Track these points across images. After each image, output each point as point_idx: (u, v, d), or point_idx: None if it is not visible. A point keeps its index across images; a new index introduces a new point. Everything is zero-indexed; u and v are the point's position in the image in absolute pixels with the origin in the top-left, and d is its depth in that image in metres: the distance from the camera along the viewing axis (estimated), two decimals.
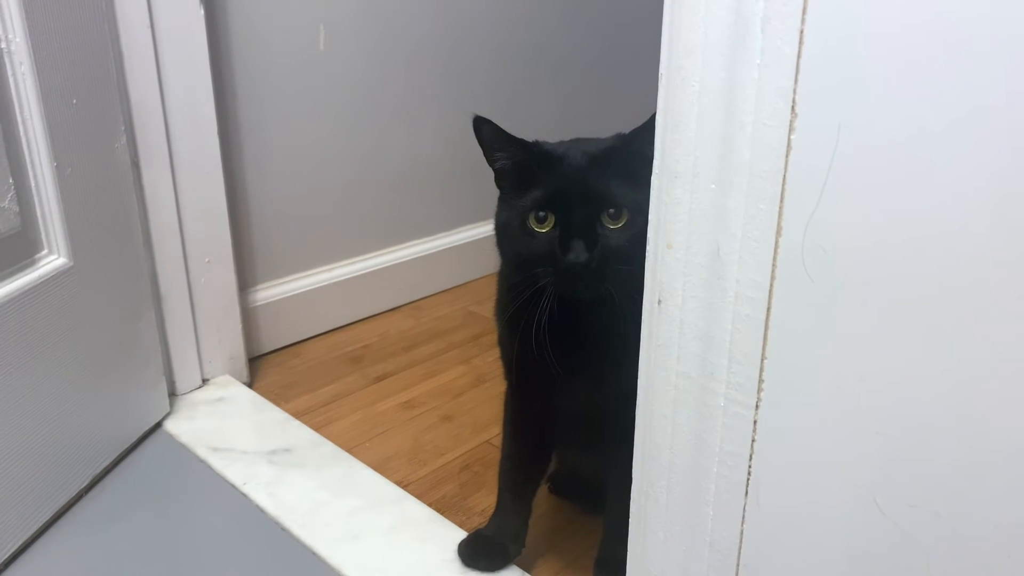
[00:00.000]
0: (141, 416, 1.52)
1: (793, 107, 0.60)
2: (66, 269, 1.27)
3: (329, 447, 1.53)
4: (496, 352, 1.22)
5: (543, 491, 1.36)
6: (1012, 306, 0.54)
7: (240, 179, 1.78)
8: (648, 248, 0.76)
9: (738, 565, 0.76)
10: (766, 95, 0.61)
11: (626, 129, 1.03)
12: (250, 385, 1.77)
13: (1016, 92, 0.51)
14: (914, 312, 0.58)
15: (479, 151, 1.06)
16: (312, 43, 1.82)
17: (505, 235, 1.06)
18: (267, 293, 1.90)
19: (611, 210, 0.99)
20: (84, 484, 1.37)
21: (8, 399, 1.19)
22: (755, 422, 0.70)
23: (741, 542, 0.75)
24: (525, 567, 1.24)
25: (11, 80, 1.16)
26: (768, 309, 0.66)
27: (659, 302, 0.75)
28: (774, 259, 0.64)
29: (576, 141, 1.07)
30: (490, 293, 1.19)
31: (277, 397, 1.72)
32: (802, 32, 0.58)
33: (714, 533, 0.77)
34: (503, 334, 1.16)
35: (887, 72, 0.55)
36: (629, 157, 0.98)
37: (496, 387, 1.73)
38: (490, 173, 1.08)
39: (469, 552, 1.23)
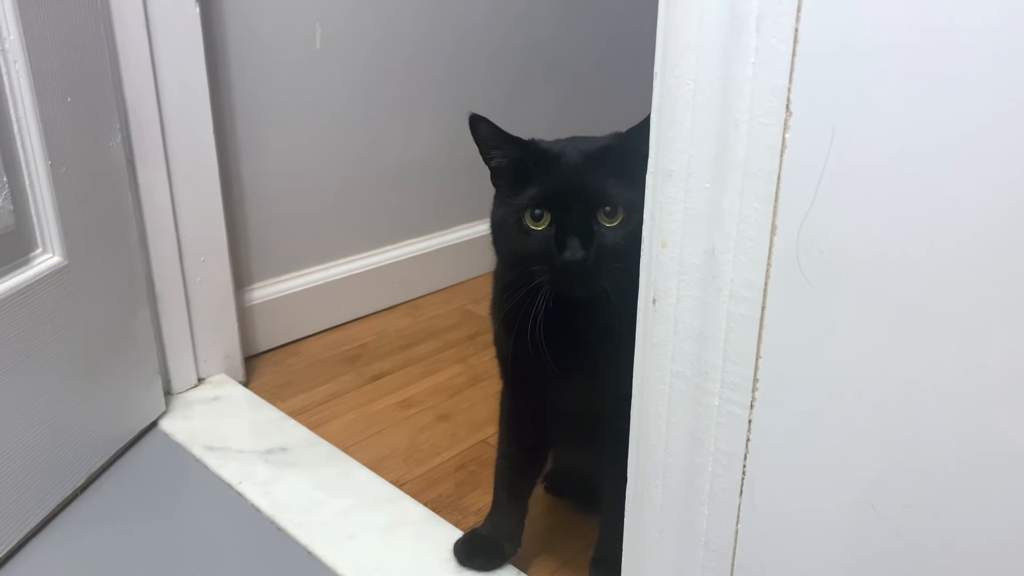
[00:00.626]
0: (137, 415, 1.51)
1: (788, 105, 0.60)
2: (61, 268, 1.26)
3: (325, 446, 1.53)
4: (492, 351, 1.21)
5: (539, 490, 1.36)
6: (1010, 307, 0.54)
7: (236, 177, 1.77)
8: (643, 247, 0.75)
9: (733, 565, 0.76)
10: (761, 94, 0.61)
11: (623, 128, 1.03)
12: (246, 384, 1.77)
13: (1012, 91, 0.51)
14: (910, 312, 0.58)
15: (476, 150, 1.05)
16: (309, 41, 1.81)
17: (501, 233, 1.06)
18: (263, 292, 1.90)
19: (607, 208, 0.99)
20: (79, 483, 1.37)
21: (3, 398, 1.19)
22: (750, 421, 0.70)
23: (736, 542, 0.75)
24: (521, 566, 1.24)
25: (5, 78, 1.15)
26: (763, 308, 0.66)
27: (654, 301, 0.75)
28: (769, 258, 0.64)
29: (572, 139, 1.07)
30: (487, 292, 1.19)
31: (273, 396, 1.72)
32: (797, 30, 0.58)
33: (709, 532, 0.77)
34: (498, 332, 1.16)
35: (882, 70, 0.55)
36: (625, 156, 0.98)
37: (492, 386, 1.72)
38: (487, 172, 1.07)
39: (465, 551, 1.23)
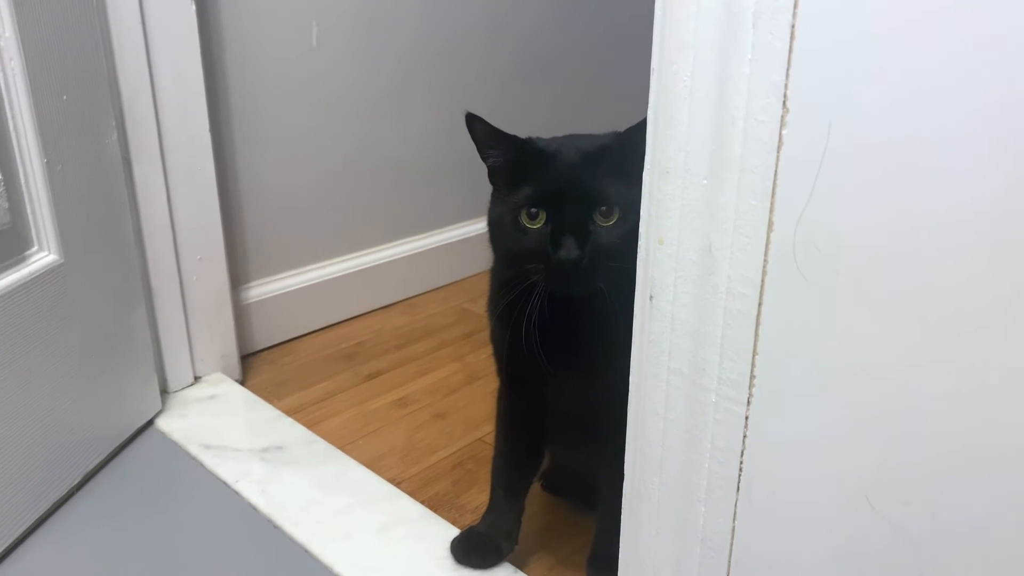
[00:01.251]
0: (133, 413, 1.51)
1: (784, 102, 0.60)
2: (56, 266, 1.26)
3: (322, 445, 1.52)
4: (489, 350, 1.21)
5: (536, 488, 1.36)
6: (1008, 301, 0.54)
7: (232, 175, 1.77)
8: (640, 244, 0.75)
9: (730, 561, 0.76)
10: (757, 90, 0.61)
11: (619, 127, 1.03)
12: (242, 383, 1.76)
13: (1010, 88, 0.51)
14: (907, 307, 0.58)
15: (472, 148, 1.05)
16: (304, 39, 1.81)
17: (497, 231, 1.06)
18: (259, 290, 1.89)
19: (603, 208, 0.99)
20: (75, 481, 1.36)
21: None
22: (746, 418, 0.70)
23: (733, 538, 0.75)
24: (518, 564, 1.24)
25: (0, 75, 1.15)
26: (759, 305, 0.66)
27: (651, 298, 0.75)
28: (765, 255, 0.64)
29: (570, 137, 1.07)
30: (483, 290, 1.19)
31: (270, 395, 1.71)
32: (793, 27, 0.58)
33: (706, 529, 0.77)
34: (495, 330, 1.16)
35: (879, 66, 0.55)
36: (623, 155, 0.98)
37: (489, 385, 1.71)
38: (483, 170, 1.07)
39: (462, 549, 1.23)
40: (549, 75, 2.38)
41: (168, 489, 1.40)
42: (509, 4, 2.21)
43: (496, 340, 1.17)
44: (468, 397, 1.74)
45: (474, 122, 1.03)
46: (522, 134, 1.05)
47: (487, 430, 1.60)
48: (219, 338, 1.72)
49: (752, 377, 0.68)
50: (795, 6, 0.58)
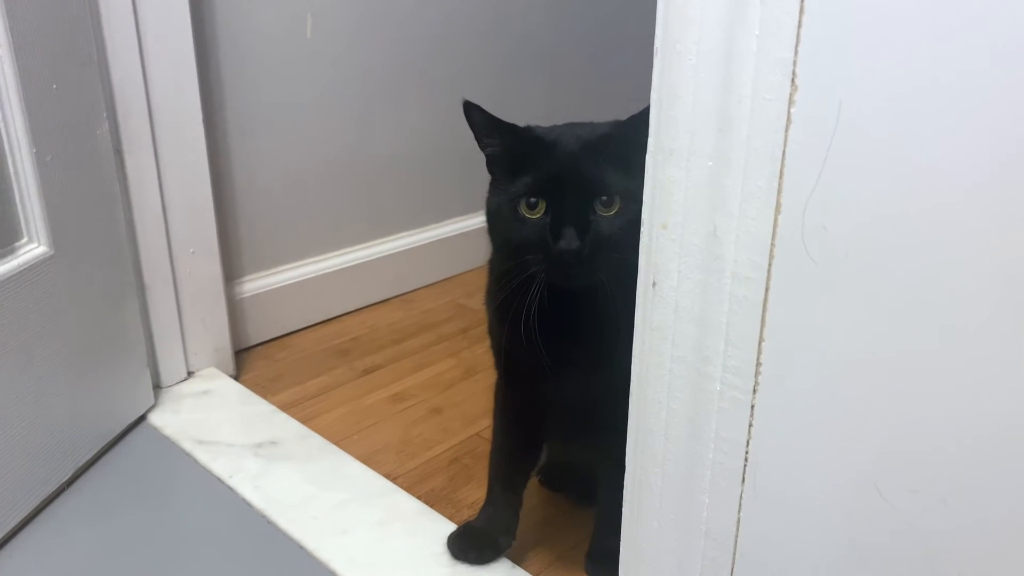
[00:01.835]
0: (125, 408, 1.49)
1: (793, 79, 0.58)
2: (46, 258, 1.24)
3: (317, 440, 1.51)
4: (486, 344, 1.20)
5: (533, 483, 1.34)
6: None
7: (226, 168, 1.75)
8: (643, 229, 0.74)
9: (735, 554, 0.74)
10: (765, 68, 0.59)
11: (619, 116, 1.01)
12: (236, 378, 1.74)
13: None
14: (919, 292, 0.57)
15: (469, 141, 1.04)
16: (299, 31, 1.79)
17: (496, 221, 1.04)
18: (254, 285, 1.87)
19: (603, 197, 0.97)
20: (66, 478, 1.34)
21: None
22: (752, 407, 0.68)
23: (738, 530, 0.73)
24: (515, 560, 1.22)
25: None
26: (766, 290, 0.64)
27: (653, 284, 0.73)
28: (773, 238, 0.63)
29: (570, 126, 1.05)
30: (480, 286, 1.17)
31: (264, 390, 1.70)
32: (803, 1, 0.56)
33: (710, 521, 0.75)
34: (493, 323, 1.15)
35: (891, 40, 0.54)
36: (625, 144, 0.97)
37: (485, 380, 1.71)
38: (481, 164, 1.06)
39: (459, 545, 1.21)
40: (546, 68, 2.36)
41: (161, 485, 1.39)
42: None
43: (494, 333, 1.16)
44: (465, 392, 1.73)
45: (471, 110, 1.01)
46: (520, 124, 1.03)
47: (484, 425, 1.58)
48: (213, 332, 1.70)
49: (758, 365, 0.67)
50: None
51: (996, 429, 0.56)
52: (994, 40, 0.50)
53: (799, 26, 0.57)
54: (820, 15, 0.56)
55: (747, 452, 0.70)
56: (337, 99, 1.92)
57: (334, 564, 1.20)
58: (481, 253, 1.14)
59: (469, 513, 1.33)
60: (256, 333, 1.90)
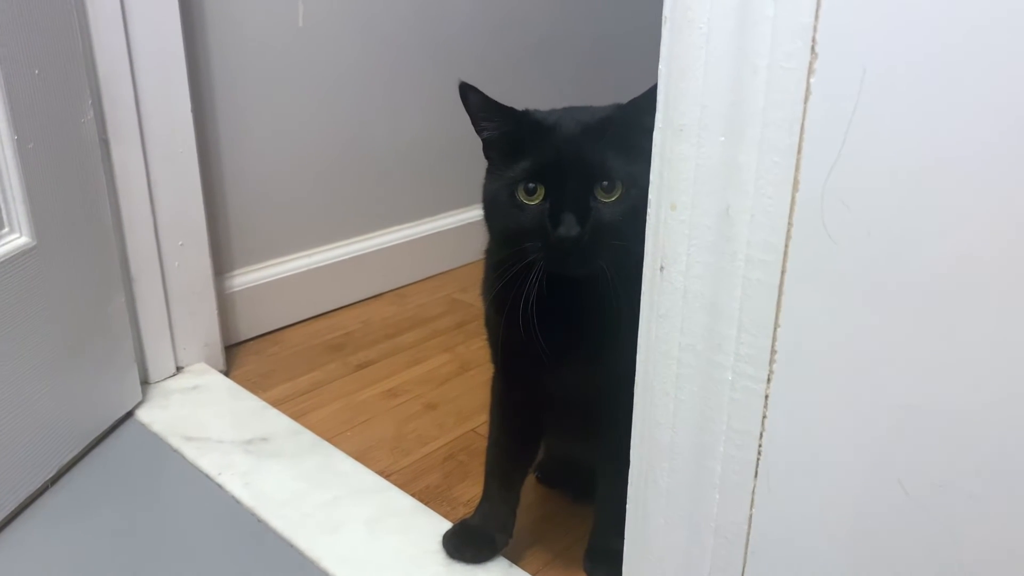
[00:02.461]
0: (111, 404, 1.46)
1: (813, 47, 0.55)
2: (29, 249, 1.21)
3: (308, 436, 1.47)
4: (481, 340, 1.18)
5: (531, 480, 1.32)
6: None
7: (215, 158, 1.72)
8: (649, 210, 0.70)
9: (746, 552, 0.70)
10: (782, 35, 0.56)
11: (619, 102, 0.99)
12: (226, 373, 1.71)
13: None
14: (949, 272, 0.53)
15: (465, 133, 1.01)
16: (291, 18, 1.76)
17: (493, 208, 1.01)
18: (244, 279, 1.84)
19: (604, 183, 0.94)
20: (49, 475, 1.31)
21: None
22: (766, 397, 0.65)
23: (750, 527, 0.69)
24: (512, 558, 1.20)
25: None
26: (782, 273, 0.61)
27: (661, 269, 0.69)
28: (790, 217, 0.59)
29: (569, 110, 1.02)
30: (475, 280, 1.15)
31: (255, 386, 1.67)
32: None
33: (720, 518, 0.71)
34: (489, 314, 1.12)
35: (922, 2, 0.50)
36: (626, 128, 0.94)
37: (481, 375, 1.70)
38: (476, 157, 1.03)
39: (454, 543, 1.19)
40: (545, 58, 2.34)
41: (148, 482, 1.36)
42: None
43: (491, 324, 1.13)
44: (460, 387, 1.70)
45: (468, 92, 0.98)
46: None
47: (480, 420, 1.56)
48: (202, 327, 1.66)
49: (773, 352, 0.63)
50: None
51: None
52: None
53: None
54: None
55: (760, 445, 0.66)
56: (331, 90, 1.89)
57: (325, 563, 1.17)
58: (476, 247, 1.11)
59: (465, 511, 1.30)
60: (247, 328, 1.86)
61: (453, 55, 2.09)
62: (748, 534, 0.70)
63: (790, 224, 0.59)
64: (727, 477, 0.70)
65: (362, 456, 1.43)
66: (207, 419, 1.50)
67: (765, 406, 0.65)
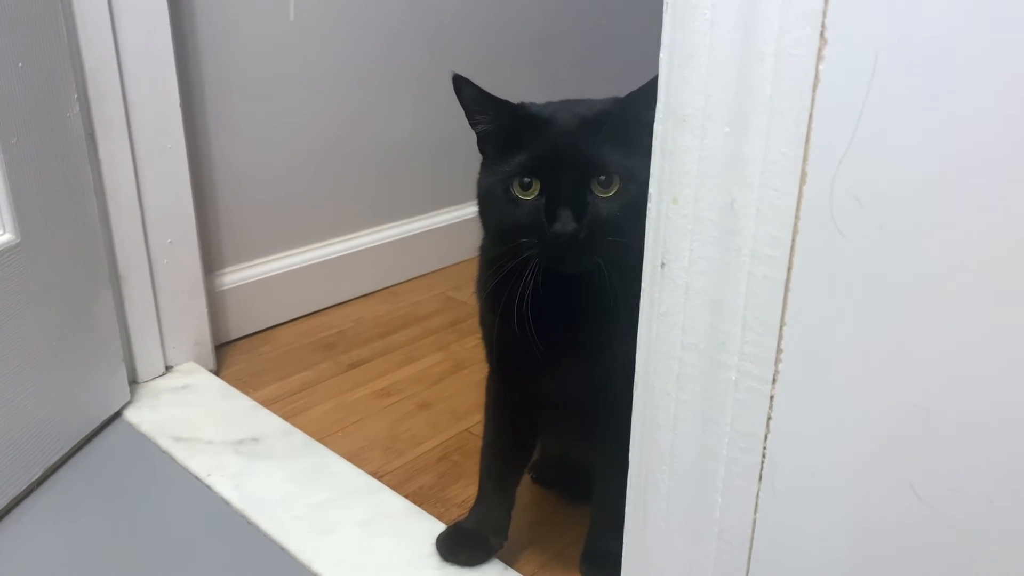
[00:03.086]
0: (98, 404, 1.43)
1: (823, 32, 0.52)
2: (12, 245, 1.18)
3: (300, 436, 1.45)
4: (475, 338, 1.16)
5: (526, 480, 1.30)
6: None
7: (205, 154, 1.69)
8: (650, 204, 0.68)
9: (750, 558, 0.68)
10: (791, 19, 0.53)
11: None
12: (217, 372, 1.69)
13: None
14: (966, 268, 0.51)
15: (459, 129, 1.00)
16: (282, 12, 1.73)
17: (487, 202, 0.99)
18: (235, 277, 1.82)
19: (602, 177, 0.92)
20: (35, 477, 1.29)
21: None
22: (772, 398, 0.62)
23: (754, 532, 0.67)
24: (508, 561, 1.18)
25: None
26: (789, 269, 0.59)
27: (662, 265, 0.67)
28: (797, 211, 0.57)
29: (566, 103, 1.00)
30: (469, 278, 1.13)
31: (245, 385, 1.65)
32: None
33: (723, 522, 0.69)
34: (483, 311, 1.10)
35: None
36: (624, 121, 0.92)
37: (475, 374, 1.68)
38: (472, 152, 1.01)
39: (448, 545, 1.17)
40: (540, 55, 2.32)
41: (136, 484, 1.33)
42: None
43: (485, 322, 1.11)
44: (454, 386, 1.68)
45: (462, 84, 0.96)
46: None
47: (474, 421, 1.54)
48: (192, 326, 1.64)
49: (779, 351, 0.61)
50: None
51: None
52: None
53: None
54: None
55: (765, 447, 0.64)
56: (323, 85, 1.86)
57: (317, 566, 1.15)
58: (470, 244, 1.09)
59: (459, 512, 1.29)
60: (237, 327, 1.84)
61: (446, 49, 2.07)
62: (752, 539, 0.68)
63: (797, 218, 0.57)
64: (730, 481, 0.67)
65: (354, 457, 1.41)
66: (197, 419, 1.48)
67: (770, 407, 0.63)
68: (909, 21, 0.49)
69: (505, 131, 0.97)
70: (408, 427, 1.54)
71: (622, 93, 0.94)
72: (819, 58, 0.53)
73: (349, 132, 1.95)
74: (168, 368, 1.62)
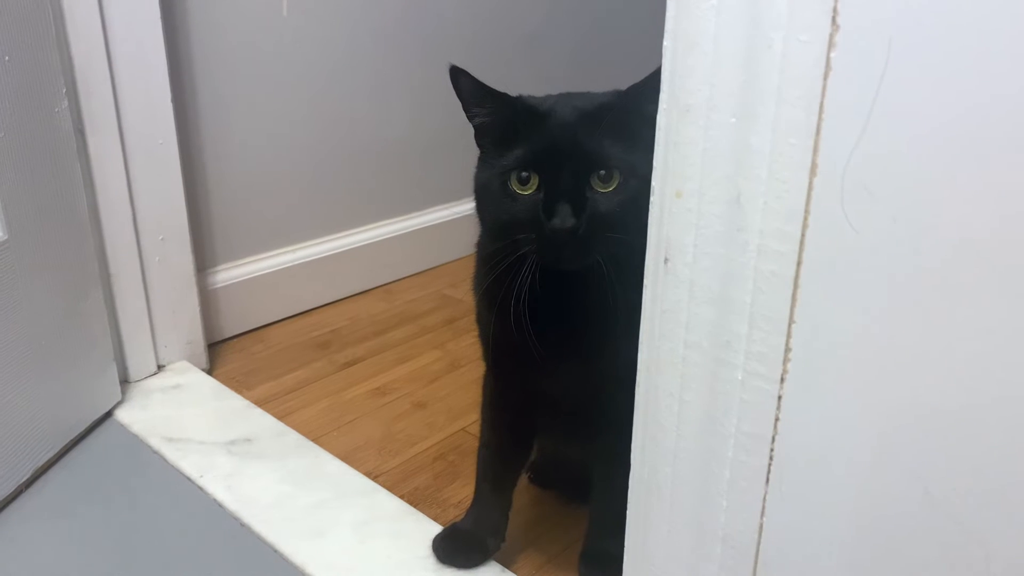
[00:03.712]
0: (89, 404, 1.41)
1: (834, 18, 0.50)
2: (0, 243, 1.16)
3: (293, 436, 1.44)
4: (472, 336, 1.16)
5: (523, 481, 1.29)
6: None
7: (197, 150, 1.67)
8: (653, 198, 0.66)
9: (756, 563, 0.66)
10: (800, 4, 0.51)
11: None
12: (209, 372, 1.67)
13: None
14: (983, 263, 0.49)
15: (453, 126, 0.98)
16: (275, 8, 1.71)
17: (484, 197, 0.97)
18: (228, 275, 1.80)
19: (601, 172, 0.90)
20: (24, 478, 1.27)
21: None
22: (780, 398, 0.60)
23: (760, 536, 0.65)
24: (505, 563, 1.17)
25: None
26: (798, 264, 0.57)
27: (665, 261, 0.65)
28: (807, 204, 0.55)
29: (565, 96, 0.98)
30: (465, 275, 1.12)
31: (239, 384, 1.63)
32: None
33: (728, 527, 0.67)
34: (480, 309, 1.08)
35: None
36: (625, 115, 0.90)
37: (471, 373, 1.67)
38: (468, 148, 0.99)
39: (444, 547, 1.16)
40: (535, 54, 2.30)
41: (127, 485, 1.31)
42: None
43: (482, 320, 1.09)
44: (450, 385, 1.66)
45: (459, 76, 0.95)
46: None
47: (470, 420, 1.53)
48: (184, 324, 1.62)
49: (787, 350, 0.59)
50: None
51: None
52: None
53: None
54: None
55: (772, 449, 0.62)
56: (317, 81, 1.84)
57: (310, 568, 1.14)
58: (467, 242, 1.08)
59: (456, 513, 1.27)
60: (230, 325, 1.82)
61: (442, 46, 2.05)
62: (758, 544, 0.66)
63: (807, 212, 0.55)
64: (736, 483, 0.65)
65: (349, 457, 1.40)
66: (189, 419, 1.46)
67: (778, 408, 0.61)
68: (924, 5, 0.47)
69: (503, 124, 0.95)
70: (403, 427, 1.52)
71: (617, 86, 0.92)
72: (830, 45, 0.51)
73: (343, 128, 1.93)
74: (160, 367, 1.60)
